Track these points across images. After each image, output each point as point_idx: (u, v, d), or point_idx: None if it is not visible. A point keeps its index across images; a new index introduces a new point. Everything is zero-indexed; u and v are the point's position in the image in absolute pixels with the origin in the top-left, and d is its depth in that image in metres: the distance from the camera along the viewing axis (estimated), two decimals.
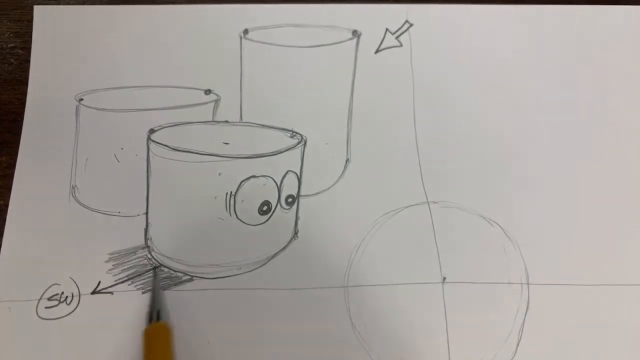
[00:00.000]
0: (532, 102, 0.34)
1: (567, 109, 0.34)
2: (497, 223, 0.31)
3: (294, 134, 0.32)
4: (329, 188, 0.32)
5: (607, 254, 0.31)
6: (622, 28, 0.35)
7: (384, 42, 0.35)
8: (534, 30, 0.35)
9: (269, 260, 0.30)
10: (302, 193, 0.32)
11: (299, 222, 0.31)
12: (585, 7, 0.36)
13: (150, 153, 0.30)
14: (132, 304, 0.29)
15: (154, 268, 0.30)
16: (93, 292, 0.29)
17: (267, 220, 0.31)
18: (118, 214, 0.31)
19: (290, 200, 0.31)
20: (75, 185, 0.31)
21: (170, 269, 0.30)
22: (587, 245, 0.31)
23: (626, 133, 0.33)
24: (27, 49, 0.34)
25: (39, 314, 0.29)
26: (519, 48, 0.35)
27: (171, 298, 0.29)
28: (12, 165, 0.31)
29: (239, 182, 0.30)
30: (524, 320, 0.29)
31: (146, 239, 0.30)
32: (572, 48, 0.35)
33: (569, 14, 0.36)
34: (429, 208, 0.31)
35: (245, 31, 0.34)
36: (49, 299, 0.29)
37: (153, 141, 0.30)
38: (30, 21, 0.34)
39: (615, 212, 0.32)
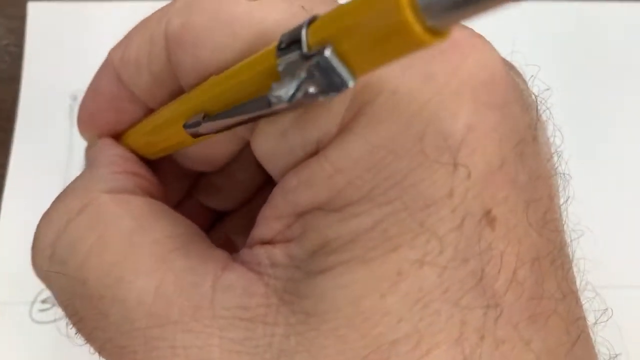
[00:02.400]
0: None
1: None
2: None
3: None
4: None
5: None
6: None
7: None
8: None
9: None
10: None
11: None
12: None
13: None
14: None
15: None
16: None
17: None
18: None
19: None
20: None
21: None
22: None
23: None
24: (20, 46, 0.33)
25: (33, 317, 0.28)
26: None
27: None
28: (4, 165, 0.31)
29: None
30: None
31: None
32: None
33: None
34: None
35: None
36: (42, 302, 0.28)
37: None
38: (24, 18, 0.34)
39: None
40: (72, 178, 0.17)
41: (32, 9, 0.34)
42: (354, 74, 0.10)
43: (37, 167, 0.31)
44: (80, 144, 0.31)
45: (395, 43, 0.09)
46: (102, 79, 0.17)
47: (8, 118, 0.32)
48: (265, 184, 0.20)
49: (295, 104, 0.11)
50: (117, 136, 0.19)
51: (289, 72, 0.11)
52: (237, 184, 0.20)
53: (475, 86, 0.12)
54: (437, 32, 0.09)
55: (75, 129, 0.31)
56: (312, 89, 0.11)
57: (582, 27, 0.35)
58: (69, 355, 0.28)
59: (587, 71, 0.34)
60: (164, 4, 0.16)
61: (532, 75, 0.15)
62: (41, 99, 0.32)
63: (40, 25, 0.34)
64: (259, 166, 0.20)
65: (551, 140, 0.14)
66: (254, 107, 0.12)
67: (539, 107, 0.14)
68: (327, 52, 0.10)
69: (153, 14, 0.16)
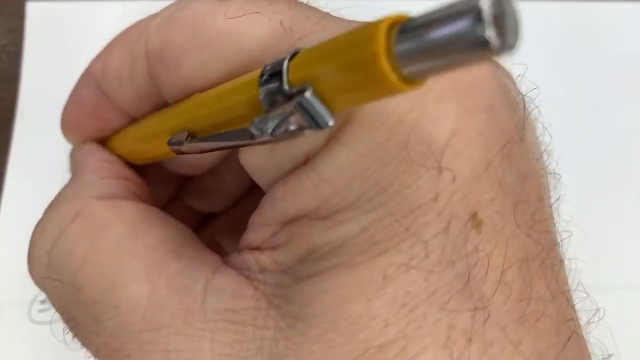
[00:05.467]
0: None
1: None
2: None
3: None
4: None
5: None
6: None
7: None
8: None
9: None
10: None
11: None
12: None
13: None
14: None
15: None
16: None
17: None
18: None
19: None
20: None
21: None
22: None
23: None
24: (19, 45, 0.33)
25: (32, 317, 0.28)
26: None
27: None
28: (4, 165, 0.30)
29: None
30: None
31: None
32: None
33: None
34: None
35: None
36: (41, 302, 0.28)
37: None
38: (22, 17, 0.33)
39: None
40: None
41: (31, 9, 0.34)
42: (333, 112, 0.10)
43: (36, 167, 0.31)
44: None
45: (371, 88, 0.09)
46: (83, 88, 0.18)
47: (7, 118, 0.31)
48: (253, 185, 0.20)
49: (277, 138, 0.11)
50: (102, 140, 0.19)
51: (271, 104, 0.11)
52: (226, 186, 0.20)
53: (459, 90, 0.12)
54: (413, 81, 0.09)
55: None
56: (292, 127, 0.11)
57: (579, 26, 0.35)
58: (68, 356, 0.28)
59: (583, 71, 0.34)
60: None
61: (520, 75, 0.15)
62: (41, 99, 0.32)
63: (39, 25, 0.33)
64: None
65: (540, 139, 0.14)
66: (237, 137, 0.13)
67: (526, 107, 0.14)
68: (308, 94, 0.10)
69: (131, 27, 0.16)
